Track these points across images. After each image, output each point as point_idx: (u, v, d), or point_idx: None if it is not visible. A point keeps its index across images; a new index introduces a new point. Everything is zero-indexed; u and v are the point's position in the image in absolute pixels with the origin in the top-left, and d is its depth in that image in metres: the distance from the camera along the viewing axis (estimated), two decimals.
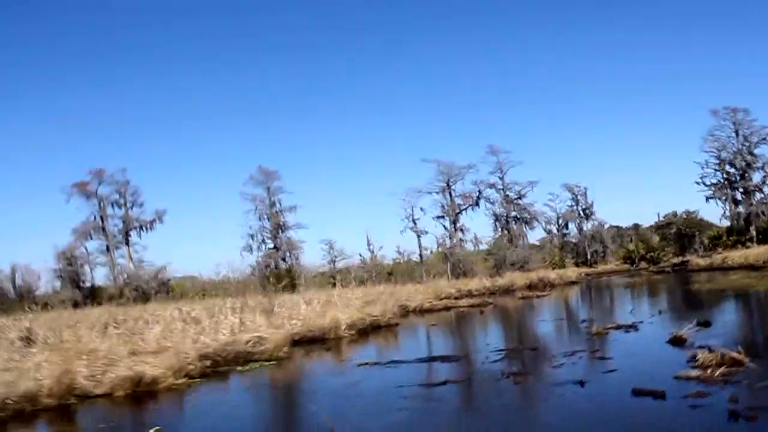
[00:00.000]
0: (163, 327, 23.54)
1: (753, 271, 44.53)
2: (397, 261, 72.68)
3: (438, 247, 67.34)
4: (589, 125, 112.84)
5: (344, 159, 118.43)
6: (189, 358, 17.79)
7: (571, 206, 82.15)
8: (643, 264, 72.72)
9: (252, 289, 55.53)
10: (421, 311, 37.22)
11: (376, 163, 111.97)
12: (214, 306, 28.45)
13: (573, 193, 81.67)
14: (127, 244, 62.86)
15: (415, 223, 64.86)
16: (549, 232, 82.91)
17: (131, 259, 63.02)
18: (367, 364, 16.30)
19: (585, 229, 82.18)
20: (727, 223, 64.39)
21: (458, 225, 69.03)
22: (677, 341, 14.49)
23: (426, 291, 46.83)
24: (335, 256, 73.34)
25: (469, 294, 50.79)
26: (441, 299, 43.50)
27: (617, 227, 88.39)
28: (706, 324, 16.26)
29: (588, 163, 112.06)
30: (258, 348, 20.65)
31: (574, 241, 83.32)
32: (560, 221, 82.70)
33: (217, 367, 18.62)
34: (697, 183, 64.76)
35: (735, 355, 11.37)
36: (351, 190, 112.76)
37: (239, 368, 18.40)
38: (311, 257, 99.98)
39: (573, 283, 56.93)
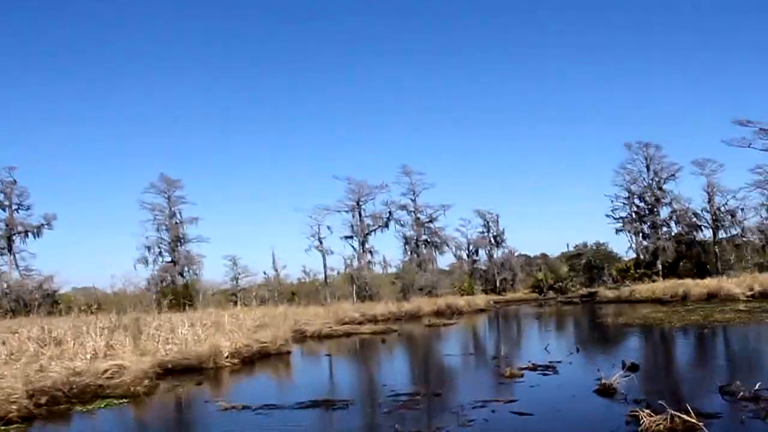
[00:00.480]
0: (9, 350, 19.84)
1: (660, 305, 43.80)
2: (303, 281, 69.59)
3: (345, 268, 64.52)
4: (503, 152, 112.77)
5: (252, 173, 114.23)
6: (16, 395, 14.28)
7: (482, 233, 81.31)
8: (551, 293, 72.20)
9: (145, 306, 51.70)
10: (320, 337, 34.27)
11: (285, 179, 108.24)
12: (84, 324, 24.57)
13: (485, 220, 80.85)
14: (10, 250, 57.35)
15: (321, 242, 62.03)
16: (459, 257, 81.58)
17: (16, 267, 57.63)
18: (234, 408, 13.21)
19: (495, 256, 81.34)
20: (633, 255, 64.42)
21: (367, 246, 66.52)
22: (606, 391, 12.13)
23: (327, 314, 43.84)
24: (238, 273, 69.92)
25: (374, 319, 48.19)
26: (343, 324, 40.64)
27: (526, 256, 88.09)
28: (634, 368, 14.01)
29: (500, 189, 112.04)
30: (115, 380, 17.23)
31: (483, 268, 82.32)
32: (471, 247, 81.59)
33: (55, 405, 15.08)
34: (607, 216, 64.91)
35: (687, 417, 9.03)
36: (258, 205, 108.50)
37: (80, 407, 14.89)
38: (213, 273, 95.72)
39: (482, 310, 55.21)
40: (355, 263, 65.70)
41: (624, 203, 65.07)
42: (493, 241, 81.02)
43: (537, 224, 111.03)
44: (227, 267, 67.78)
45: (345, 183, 65.29)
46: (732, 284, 44.45)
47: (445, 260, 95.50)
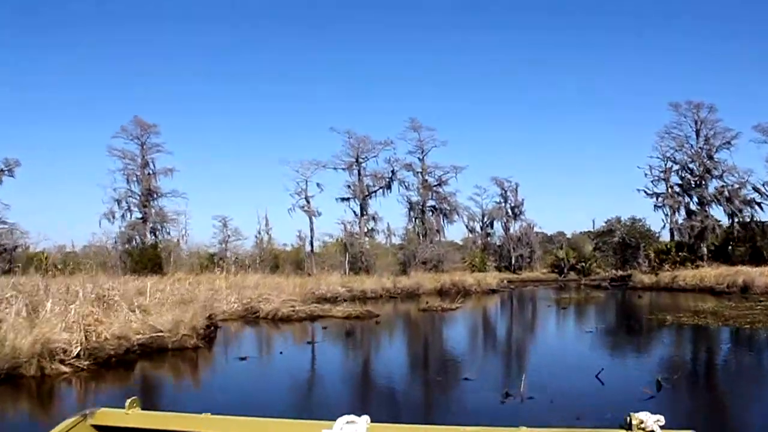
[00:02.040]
0: None
1: (713, 296, 35.33)
2: (297, 246, 61.19)
3: (344, 235, 55.98)
4: (526, 113, 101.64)
5: (244, 126, 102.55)
6: None
7: (499, 203, 72.58)
8: (572, 274, 63.61)
9: (110, 268, 44.01)
10: (275, 319, 25.99)
11: (279, 133, 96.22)
12: None
13: (502, 189, 72.16)
14: None
15: (308, 202, 53.27)
16: (471, 229, 73.26)
17: None
18: None
19: (512, 230, 72.70)
20: (672, 236, 55.37)
21: (367, 210, 57.93)
22: None
23: (300, 288, 35.60)
24: (228, 236, 61.98)
25: (363, 296, 40.06)
26: (318, 301, 32.34)
27: (545, 234, 79.34)
28: None
29: (519, 156, 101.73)
30: None
31: (498, 242, 73.77)
32: (485, 219, 73.02)
33: None
34: (639, 190, 55.82)
35: None
36: (251, 162, 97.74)
37: None
38: (202, 235, 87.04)
39: (493, 291, 46.65)
40: (355, 229, 57.29)
41: (661, 176, 55.97)
42: (510, 212, 72.28)
43: (559, 200, 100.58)
44: (216, 229, 59.90)
45: (344, 137, 56.60)
46: None
47: (455, 232, 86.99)
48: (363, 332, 22.34)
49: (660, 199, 56.38)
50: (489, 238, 74.10)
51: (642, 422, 2.42)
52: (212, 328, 20.51)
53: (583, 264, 63.91)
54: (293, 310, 27.07)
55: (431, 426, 2.86)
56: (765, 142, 49.04)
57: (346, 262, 52.78)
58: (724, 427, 8.41)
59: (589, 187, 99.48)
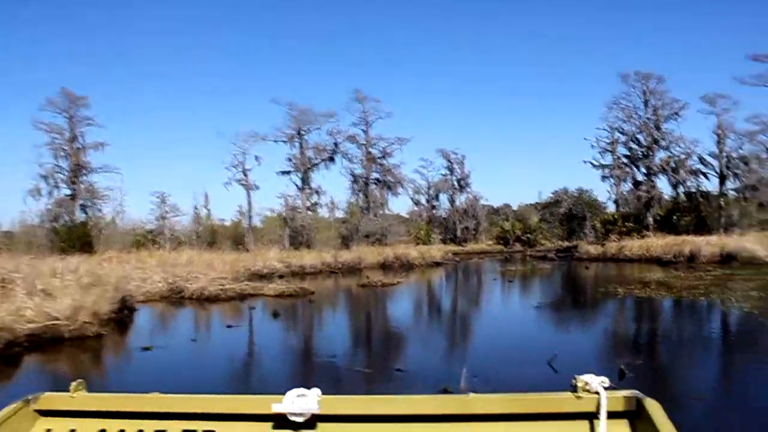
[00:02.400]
0: None
1: (660, 267, 34.65)
2: (237, 221, 58.64)
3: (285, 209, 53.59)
4: (472, 91, 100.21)
5: (180, 99, 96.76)
6: None
7: (445, 175, 71.13)
8: (518, 246, 62.89)
9: (36, 247, 41.11)
10: (202, 299, 23.94)
11: (220, 106, 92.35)
12: None
13: (448, 161, 70.69)
14: None
15: (245, 175, 50.80)
16: (417, 202, 71.75)
17: None
18: None
19: (458, 202, 71.44)
20: (615, 207, 54.71)
21: (310, 184, 55.73)
22: None
23: (237, 264, 33.67)
24: (166, 212, 59.13)
25: (301, 271, 38.29)
26: (250, 279, 30.36)
27: (491, 207, 78.40)
28: None
29: (465, 132, 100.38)
30: None
31: (444, 215, 72.47)
32: (431, 191, 71.56)
33: None
34: (586, 162, 55.02)
35: None
36: (190, 137, 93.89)
37: None
38: (139, 212, 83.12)
39: (437, 264, 45.18)
40: (298, 203, 55.09)
41: (608, 147, 55.21)
42: (456, 185, 70.94)
43: (506, 172, 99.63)
44: (154, 205, 57.05)
45: (285, 109, 54.14)
46: (752, 243, 34.93)
47: (400, 205, 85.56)
48: (293, 313, 20.52)
49: (607, 170, 55.71)
50: (435, 211, 72.76)
51: (587, 384, 2.45)
52: (126, 311, 18.46)
53: (529, 235, 63.20)
54: (222, 289, 25.02)
55: (383, 396, 2.69)
56: (711, 113, 48.50)
57: (286, 236, 50.68)
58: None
59: (536, 159, 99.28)
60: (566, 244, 51.54)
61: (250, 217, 51.42)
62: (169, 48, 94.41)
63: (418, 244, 58.21)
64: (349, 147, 55.95)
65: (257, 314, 19.50)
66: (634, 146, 52.32)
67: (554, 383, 2.67)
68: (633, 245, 42.35)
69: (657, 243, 41.22)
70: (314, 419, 2.53)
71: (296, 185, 54.55)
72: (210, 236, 53.84)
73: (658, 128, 50.79)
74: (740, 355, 11.51)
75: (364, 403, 2.61)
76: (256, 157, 50.31)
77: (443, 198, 72.00)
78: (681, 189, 50.65)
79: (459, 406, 2.51)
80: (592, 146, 55.43)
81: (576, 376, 2.46)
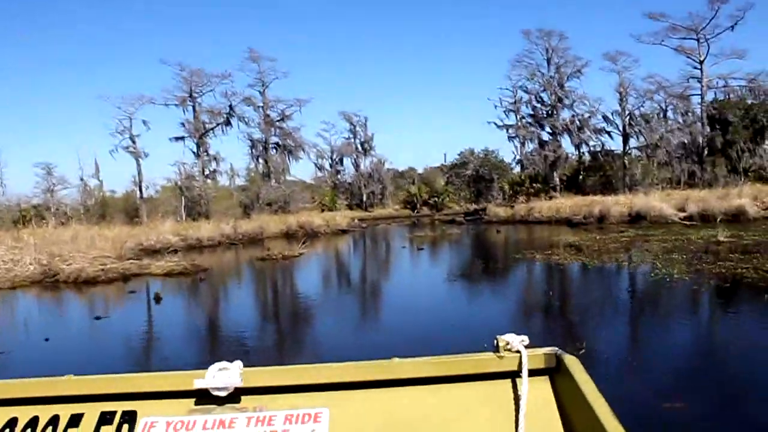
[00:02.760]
0: None
1: (570, 228, 34.06)
2: (129, 192, 54.91)
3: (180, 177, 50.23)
4: (372, 44, 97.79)
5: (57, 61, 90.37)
6: None
7: (348, 138, 69.09)
8: (426, 210, 61.75)
9: None
10: (80, 282, 21.21)
11: (103, 69, 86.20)
12: None
13: (351, 123, 68.64)
14: None
15: (133, 142, 47.13)
16: (320, 167, 69.55)
17: None
18: None
19: (362, 166, 69.52)
20: (524, 168, 54.19)
21: (208, 151, 52.57)
22: None
23: (124, 239, 30.76)
24: (53, 185, 54.93)
25: (198, 245, 35.78)
26: (139, 255, 27.71)
27: (395, 170, 76.98)
28: None
29: (366, 94, 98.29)
30: None
31: (349, 180, 70.53)
32: (335, 156, 69.42)
33: None
34: (490, 123, 54.24)
35: None
36: (73, 104, 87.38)
37: None
38: (22, 185, 77.19)
39: (343, 232, 43.25)
40: (196, 171, 51.87)
41: (511, 107, 54.60)
42: (360, 148, 69.03)
43: (410, 135, 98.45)
44: (39, 177, 52.65)
45: (175, 70, 50.50)
46: (659, 202, 34.71)
47: (303, 171, 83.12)
48: (180, 295, 18.17)
49: (512, 130, 55.08)
50: (339, 176, 70.76)
51: (508, 344, 2.48)
52: None
53: (436, 199, 62.09)
54: (103, 270, 22.31)
55: (305, 366, 2.54)
56: (613, 71, 48.27)
57: (182, 207, 47.55)
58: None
59: (440, 121, 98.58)
60: (474, 207, 50.57)
61: (141, 187, 47.80)
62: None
63: (323, 210, 56.67)
64: (246, 110, 53.06)
65: (137, 299, 17.06)
66: (538, 105, 51.74)
67: None
68: (542, 207, 41.63)
69: (566, 204, 40.63)
70: (237, 393, 2.45)
71: (193, 152, 51.30)
72: (101, 209, 50.18)
73: (561, 86, 50.25)
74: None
75: (286, 374, 2.52)
76: (144, 122, 46.68)
77: (347, 163, 70.12)
78: (585, 148, 50.44)
79: (382, 371, 2.49)
80: (496, 106, 54.97)
81: (498, 336, 2.45)
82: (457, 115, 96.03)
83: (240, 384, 2.40)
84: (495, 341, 2.45)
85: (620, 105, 47.99)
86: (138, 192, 48.26)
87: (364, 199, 67.58)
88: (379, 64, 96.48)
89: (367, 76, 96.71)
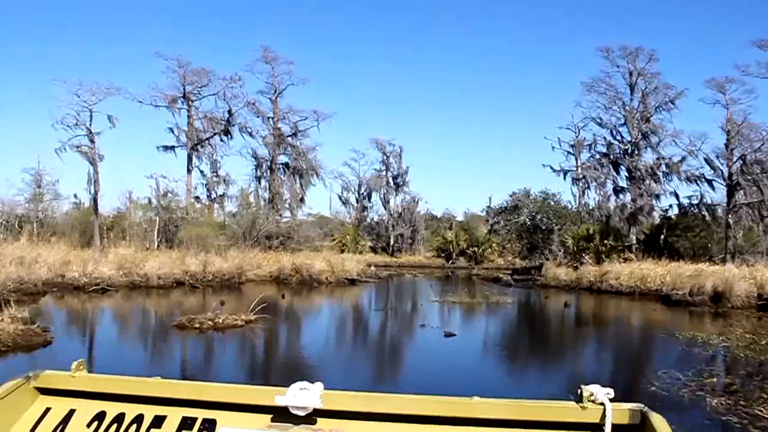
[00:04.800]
0: None
1: (665, 306, 23.72)
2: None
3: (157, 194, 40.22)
4: (408, 75, 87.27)
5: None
6: None
7: (379, 171, 58.92)
8: (462, 261, 50.98)
9: None
10: None
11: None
12: None
13: (384, 153, 58.58)
14: None
15: (92, 141, 37.09)
16: (345, 201, 59.41)
17: None
18: None
19: (392, 203, 59.21)
20: (588, 218, 43.12)
21: (216, 168, 43.19)
22: None
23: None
24: (41, 194, 46.35)
25: (144, 283, 25.95)
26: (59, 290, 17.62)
27: (432, 214, 66.26)
28: None
29: (402, 125, 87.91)
30: None
31: (376, 218, 60.20)
32: (362, 189, 59.26)
33: None
34: (546, 166, 44.10)
35: None
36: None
37: None
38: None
39: (351, 282, 32.50)
40: (180, 189, 42.14)
41: (571, 150, 44.27)
42: (391, 182, 58.80)
43: (449, 176, 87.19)
44: (26, 184, 43.83)
45: (172, 64, 41.03)
46: None
47: (320, 202, 72.90)
48: None
49: (574, 172, 44.47)
50: (365, 213, 60.49)
51: (592, 394, 2.47)
52: None
53: (476, 249, 51.34)
54: None
55: (384, 394, 2.65)
56: (718, 102, 37.28)
57: (155, 232, 37.49)
58: None
59: (484, 161, 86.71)
60: (525, 263, 39.50)
61: (96, 199, 37.60)
62: None
63: (343, 251, 46.36)
64: (252, 119, 43.15)
65: None
66: (615, 142, 40.80)
67: None
68: (620, 272, 30.55)
69: (653, 271, 29.57)
70: (315, 414, 2.55)
71: (200, 170, 41.68)
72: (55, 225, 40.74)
73: (647, 120, 39.36)
74: None
75: (366, 401, 2.61)
76: (110, 118, 36.59)
77: (376, 198, 59.92)
78: (670, 199, 39.25)
79: (462, 409, 2.51)
80: (554, 147, 44.84)
81: (582, 386, 2.44)
82: (505, 156, 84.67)
83: (320, 405, 2.49)
84: (579, 390, 2.44)
85: (727, 147, 36.71)
86: (93, 206, 37.99)
87: (392, 242, 57.20)
88: (416, 92, 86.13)
89: (402, 104, 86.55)
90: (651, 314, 22.11)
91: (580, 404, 2.39)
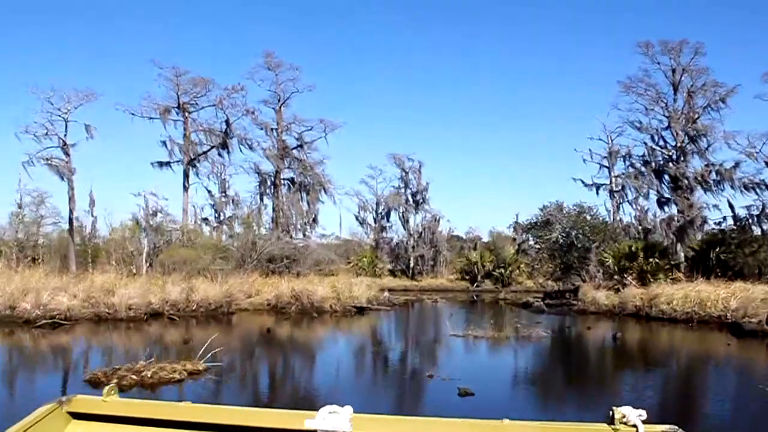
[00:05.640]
0: None
1: (737, 339, 19.33)
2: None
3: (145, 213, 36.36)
4: (427, 86, 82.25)
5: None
6: None
7: (398, 188, 54.81)
8: (488, 284, 46.63)
9: None
10: None
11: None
12: None
13: (402, 169, 54.50)
14: None
15: (67, 154, 33.29)
16: (362, 222, 55.39)
17: None
18: None
19: (412, 223, 54.98)
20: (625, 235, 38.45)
21: (224, 190, 39.73)
22: None
23: None
24: (41, 217, 42.70)
25: (111, 315, 22.08)
26: None
27: (455, 235, 61.37)
28: None
29: (422, 140, 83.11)
30: None
31: (396, 239, 55.92)
32: (380, 209, 55.15)
33: None
34: (577, 180, 40.34)
35: None
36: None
37: None
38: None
39: (359, 311, 28.21)
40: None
41: (603, 162, 40.15)
42: (411, 200, 54.65)
43: (471, 192, 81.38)
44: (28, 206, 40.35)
45: (167, 72, 37.46)
46: None
47: (335, 221, 68.47)
48: None
49: (612, 184, 40.14)
50: (385, 233, 56.30)
51: (624, 416, 2.45)
52: None
53: (503, 270, 46.91)
54: None
55: (414, 417, 2.77)
56: None
57: (143, 256, 33.60)
58: None
59: (510, 179, 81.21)
60: (558, 286, 34.91)
61: (71, 219, 33.72)
62: None
63: (359, 274, 42.67)
64: (253, 131, 39.31)
65: None
66: (657, 148, 36.23)
67: None
68: (674, 295, 25.94)
69: (716, 293, 24.91)
70: None
71: (203, 189, 37.96)
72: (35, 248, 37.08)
73: (693, 121, 34.85)
74: None
75: (395, 424, 2.69)
76: (88, 127, 32.80)
77: (395, 218, 55.75)
78: (729, 211, 34.45)
79: (493, 431, 2.63)
80: (585, 160, 40.94)
81: (614, 408, 2.47)
82: (532, 171, 79.03)
83: (349, 429, 2.50)
84: (611, 412, 2.48)
85: None
86: (70, 227, 34.13)
87: (412, 264, 52.97)
88: (436, 105, 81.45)
89: (421, 117, 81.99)
90: (728, 350, 17.55)
91: (612, 426, 2.39)
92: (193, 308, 25.17)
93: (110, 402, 2.79)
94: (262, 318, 25.77)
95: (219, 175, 40.58)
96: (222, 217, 42.01)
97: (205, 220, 42.23)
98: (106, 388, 2.83)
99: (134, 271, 32.13)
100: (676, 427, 2.36)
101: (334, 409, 2.50)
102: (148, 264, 33.38)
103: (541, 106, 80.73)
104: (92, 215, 39.86)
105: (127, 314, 22.62)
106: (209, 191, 40.94)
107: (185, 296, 25.39)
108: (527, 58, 79.52)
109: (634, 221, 38.66)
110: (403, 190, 55.00)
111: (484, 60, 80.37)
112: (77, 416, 2.77)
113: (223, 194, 41.52)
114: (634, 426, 2.33)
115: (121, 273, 29.68)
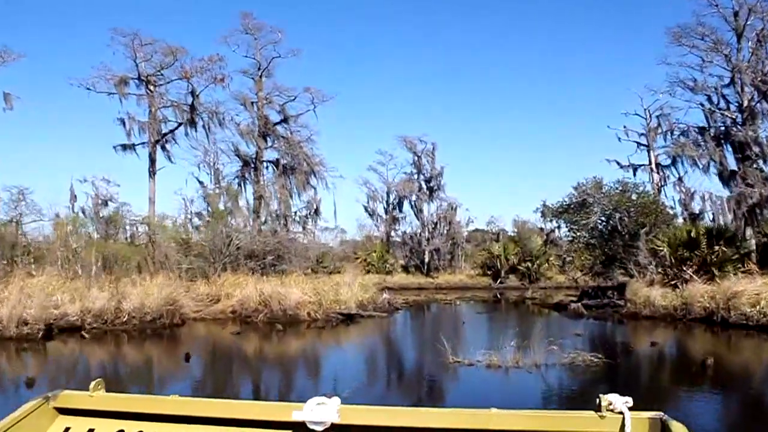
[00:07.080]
0: None
1: None
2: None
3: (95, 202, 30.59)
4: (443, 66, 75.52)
5: None
6: None
7: (410, 174, 48.65)
8: (514, 279, 41.31)
9: None
10: None
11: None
12: None
13: (414, 152, 48.29)
14: None
15: None
16: (372, 213, 49.37)
17: None
18: None
19: (426, 213, 48.69)
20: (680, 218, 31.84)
21: (217, 179, 34.12)
22: None
23: None
24: (19, 214, 37.32)
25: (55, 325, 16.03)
26: None
27: (471, 220, 54.52)
28: None
29: (437, 123, 76.41)
30: None
31: (410, 231, 49.66)
32: (392, 198, 49.10)
33: None
34: (611, 161, 34.53)
35: None
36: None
37: None
38: None
39: (348, 320, 21.96)
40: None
41: (642, 139, 33.66)
42: (424, 187, 48.38)
43: (492, 180, 73.94)
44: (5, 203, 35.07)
45: (126, 40, 31.52)
46: None
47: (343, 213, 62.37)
48: None
49: (659, 157, 33.65)
50: (396, 226, 50.15)
51: (611, 404, 2.43)
52: None
53: (530, 264, 40.51)
54: None
55: (401, 408, 2.71)
56: None
57: (93, 253, 27.63)
58: None
59: (534, 162, 73.76)
60: (598, 282, 28.43)
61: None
62: None
63: (368, 271, 39.87)
64: (229, 104, 33.19)
65: None
66: (718, 111, 29.57)
67: None
68: (762, 294, 19.38)
69: None
70: (333, 428, 2.50)
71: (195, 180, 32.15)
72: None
73: (764, 74, 28.14)
74: None
75: (383, 414, 2.57)
76: (6, 96, 26.72)
77: (407, 208, 49.64)
78: None
79: (480, 420, 2.48)
80: (620, 138, 34.94)
81: (600, 395, 2.38)
82: (559, 152, 71.96)
83: (337, 420, 2.48)
84: (597, 400, 2.41)
85: None
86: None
87: (427, 258, 46.71)
88: (450, 83, 74.64)
89: (433, 97, 75.03)
90: None
91: (599, 413, 2.33)
92: (124, 320, 19.24)
93: (97, 397, 2.68)
94: (228, 327, 19.84)
95: (212, 164, 35.08)
96: (224, 207, 36.57)
97: (199, 215, 36.80)
98: (93, 382, 2.67)
99: (79, 273, 26.50)
100: (663, 413, 2.27)
101: (321, 400, 2.42)
102: (97, 263, 27.63)
103: (569, 80, 72.94)
104: (73, 211, 34.88)
105: (16, 332, 16.66)
106: (200, 182, 35.31)
107: (114, 304, 19.45)
108: (549, 31, 72.54)
109: (677, 206, 32.01)
110: (415, 177, 48.88)
111: (505, 30, 73.26)
112: (64, 411, 2.68)
113: (217, 186, 35.83)
114: (621, 413, 2.26)
115: (64, 275, 24.07)
